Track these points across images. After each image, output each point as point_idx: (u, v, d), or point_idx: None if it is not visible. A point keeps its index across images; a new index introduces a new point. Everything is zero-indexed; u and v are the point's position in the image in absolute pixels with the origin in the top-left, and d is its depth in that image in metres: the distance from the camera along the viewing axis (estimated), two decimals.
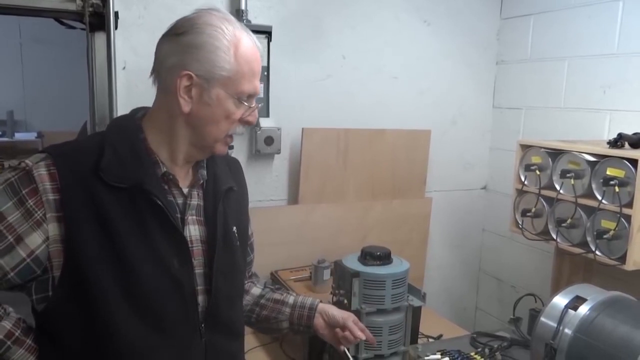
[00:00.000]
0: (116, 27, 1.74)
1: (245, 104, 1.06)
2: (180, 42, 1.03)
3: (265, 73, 2.01)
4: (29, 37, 4.80)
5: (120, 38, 1.79)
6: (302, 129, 2.10)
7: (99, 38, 1.77)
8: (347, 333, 1.31)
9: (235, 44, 1.03)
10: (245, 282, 1.36)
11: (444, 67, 2.45)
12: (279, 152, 2.12)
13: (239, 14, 1.96)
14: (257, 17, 2.02)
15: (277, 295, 1.38)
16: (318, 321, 1.34)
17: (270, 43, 2.00)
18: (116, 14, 1.74)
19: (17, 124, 4.88)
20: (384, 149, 2.29)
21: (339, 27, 2.21)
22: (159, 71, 1.07)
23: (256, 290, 1.39)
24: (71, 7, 1.70)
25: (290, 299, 1.36)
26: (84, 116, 2.20)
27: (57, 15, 1.74)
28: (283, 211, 2.17)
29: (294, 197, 2.20)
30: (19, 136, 4.77)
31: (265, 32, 1.98)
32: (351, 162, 2.23)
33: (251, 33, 1.08)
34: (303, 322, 1.33)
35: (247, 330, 1.33)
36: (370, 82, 2.30)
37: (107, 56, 1.74)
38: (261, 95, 2.01)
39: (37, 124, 4.89)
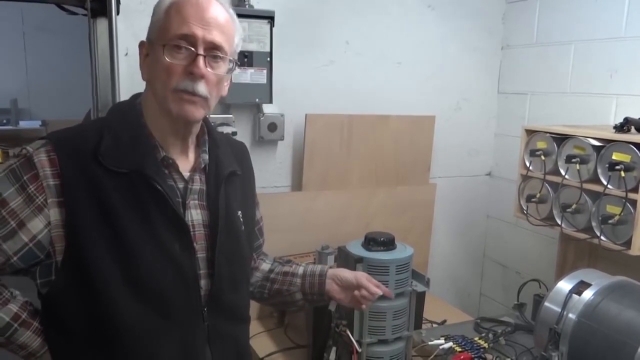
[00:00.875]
0: (118, 13, 1.73)
1: (180, 49, 1.01)
2: None
3: (268, 59, 1.99)
4: (32, 25, 4.79)
5: (122, 24, 1.78)
6: (306, 115, 2.09)
7: (101, 24, 1.76)
8: (364, 292, 1.30)
9: (173, 1, 1.04)
10: (255, 260, 1.37)
11: (448, 52, 2.43)
12: (282, 138, 2.11)
13: None
14: (259, 2, 2.00)
15: (286, 268, 1.38)
16: (332, 287, 1.33)
17: (273, 29, 1.98)
18: None
19: (21, 112, 4.90)
20: (387, 135, 2.27)
21: (342, 13, 2.19)
22: None
23: (265, 265, 1.40)
24: None
25: (300, 270, 1.36)
26: (88, 104, 2.19)
27: (59, 1, 1.73)
28: (287, 198, 2.17)
29: (297, 184, 2.20)
30: (23, 124, 4.79)
31: (268, 17, 1.96)
32: (355, 148, 2.22)
33: None
34: (315, 290, 1.33)
35: (252, 315, 1.34)
36: (373, 68, 2.28)
37: (109, 42, 1.73)
38: (264, 81, 1.99)
39: (41, 112, 4.91)
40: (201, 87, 1.03)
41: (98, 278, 1.00)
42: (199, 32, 1.01)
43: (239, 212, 1.21)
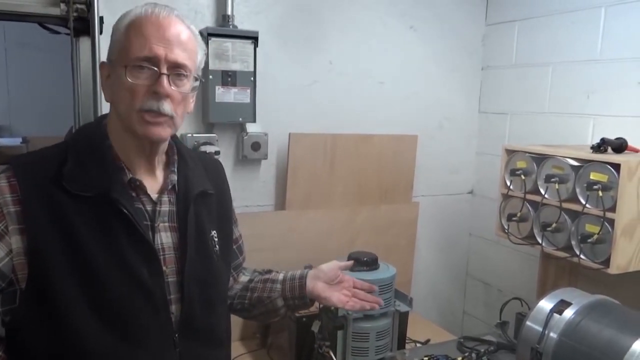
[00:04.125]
0: (101, 32, 1.72)
1: (142, 69, 1.00)
2: None
3: (252, 78, 2.00)
4: (13, 41, 4.75)
5: (106, 43, 1.77)
6: (289, 134, 2.10)
7: (84, 43, 1.76)
8: (354, 290, 1.29)
9: (131, 18, 1.03)
10: (234, 278, 1.34)
11: (430, 72, 2.47)
12: (265, 157, 2.11)
13: (225, 19, 1.96)
14: (243, 23, 2.02)
15: (266, 276, 1.35)
16: (316, 286, 1.28)
17: (257, 49, 1.99)
18: (101, 18, 1.72)
19: (1, 129, 4.83)
20: (371, 154, 2.29)
21: (326, 33, 2.21)
22: None
23: (244, 277, 1.37)
24: (55, 12, 1.68)
25: (280, 276, 1.33)
26: (70, 121, 2.17)
27: (41, 20, 1.72)
28: (270, 217, 2.17)
29: (281, 203, 2.20)
30: (3, 141, 4.71)
31: (251, 38, 1.98)
32: (338, 167, 2.23)
33: (166, 7, 1.05)
34: (296, 294, 1.28)
35: (234, 337, 1.32)
36: (357, 88, 2.31)
37: (92, 61, 1.72)
38: (248, 100, 2.00)
39: (22, 129, 4.84)
40: (166, 106, 1.02)
41: (63, 305, 0.97)
42: (161, 51, 1.00)
43: (213, 232, 1.18)
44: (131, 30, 1.01)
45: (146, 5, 1.04)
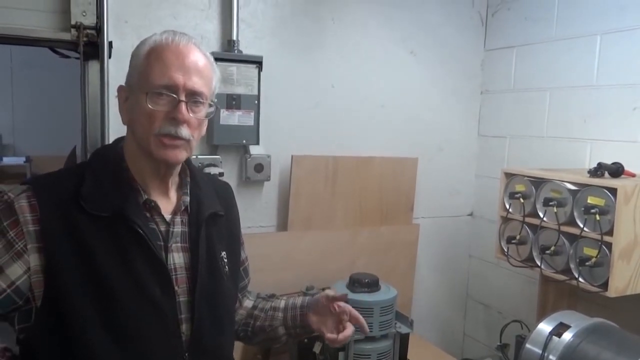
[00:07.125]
0: (110, 57, 1.77)
1: (161, 96, 1.04)
2: None
3: (256, 102, 2.04)
4: (20, 61, 4.81)
5: (114, 67, 1.81)
6: (292, 156, 2.13)
7: (93, 67, 1.80)
8: (343, 316, 1.23)
9: (151, 45, 1.07)
10: (239, 300, 1.36)
11: (430, 96, 2.51)
12: (268, 179, 2.14)
13: (230, 44, 2.01)
14: (248, 48, 2.06)
15: (269, 304, 1.36)
16: (311, 319, 1.28)
17: (261, 72, 2.04)
18: (110, 43, 1.77)
19: (5, 148, 4.86)
20: (372, 176, 2.32)
21: (328, 58, 2.26)
22: None
23: (249, 302, 1.39)
24: (66, 37, 1.73)
25: (282, 304, 1.34)
26: (73, 141, 2.20)
27: (52, 45, 1.77)
28: (272, 237, 2.18)
29: (283, 224, 2.22)
30: (7, 160, 4.74)
31: (256, 62, 2.02)
32: (340, 189, 2.26)
33: (185, 35, 1.09)
34: (298, 323, 1.30)
35: (235, 357, 1.33)
36: (358, 111, 2.35)
37: (101, 85, 1.76)
38: (252, 123, 2.04)
39: (25, 149, 4.88)
40: (184, 131, 1.06)
41: (76, 322, 0.99)
42: (180, 80, 1.05)
43: (223, 253, 1.21)
44: (152, 57, 1.06)
45: (165, 32, 1.09)
